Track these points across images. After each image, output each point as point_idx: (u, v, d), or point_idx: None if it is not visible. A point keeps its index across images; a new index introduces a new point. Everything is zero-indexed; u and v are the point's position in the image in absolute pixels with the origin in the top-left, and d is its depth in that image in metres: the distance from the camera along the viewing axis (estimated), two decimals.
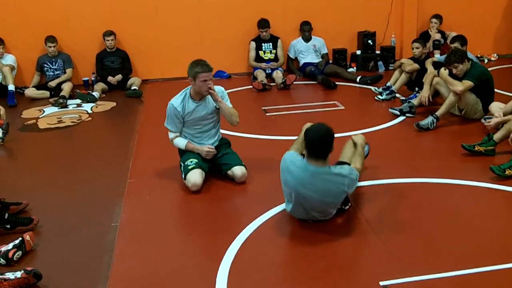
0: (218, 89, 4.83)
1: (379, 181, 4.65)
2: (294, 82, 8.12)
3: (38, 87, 8.33)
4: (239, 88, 8.25)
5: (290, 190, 3.88)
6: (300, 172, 3.79)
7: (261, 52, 8.85)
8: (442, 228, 3.89)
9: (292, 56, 9.09)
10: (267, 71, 8.66)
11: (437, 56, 7.74)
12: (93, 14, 8.60)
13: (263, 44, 8.86)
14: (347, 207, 4.15)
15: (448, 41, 8.58)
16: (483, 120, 5.82)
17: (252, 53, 8.87)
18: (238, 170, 4.70)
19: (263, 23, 8.73)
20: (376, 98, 7.29)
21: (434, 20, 9.04)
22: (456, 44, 6.74)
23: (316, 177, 3.76)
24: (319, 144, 3.74)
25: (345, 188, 3.83)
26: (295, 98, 7.80)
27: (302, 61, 8.96)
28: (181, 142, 4.79)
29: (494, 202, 4.38)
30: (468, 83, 5.89)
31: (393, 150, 5.43)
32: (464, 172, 4.82)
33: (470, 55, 6.43)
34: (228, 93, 4.95)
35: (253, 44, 8.88)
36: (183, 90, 4.75)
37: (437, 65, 6.69)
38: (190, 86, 4.69)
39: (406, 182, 4.65)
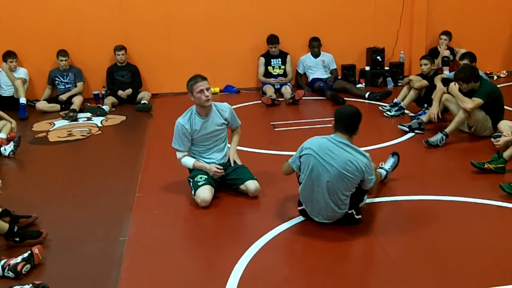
0: (225, 106, 4.86)
1: (388, 198, 4.64)
2: (303, 98, 8.14)
3: (49, 100, 8.41)
4: (248, 103, 8.28)
5: (309, 161, 3.98)
6: (323, 139, 4.03)
7: (270, 68, 8.90)
8: (451, 246, 3.87)
9: (301, 71, 9.12)
10: (276, 86, 8.69)
11: (446, 73, 7.73)
12: (105, 28, 8.69)
13: (272, 59, 8.90)
14: (359, 216, 4.14)
15: (457, 58, 8.57)
16: (492, 139, 5.80)
17: (261, 69, 8.92)
18: (251, 184, 4.70)
19: (273, 39, 8.78)
20: (385, 114, 7.29)
21: (443, 36, 9.05)
22: (465, 61, 6.73)
23: (338, 145, 3.95)
24: (348, 117, 4.04)
25: (363, 168, 3.91)
26: (304, 114, 7.82)
27: (311, 77, 8.99)
28: (188, 162, 4.78)
29: (504, 220, 4.34)
30: (477, 101, 5.88)
31: (402, 166, 5.40)
32: (473, 189, 4.79)
33: (479, 72, 6.43)
34: (237, 107, 4.99)
35: (262, 59, 8.92)
36: (188, 109, 4.77)
37: (446, 82, 6.69)
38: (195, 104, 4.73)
39: (415, 199, 4.64)
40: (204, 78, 4.61)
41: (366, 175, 3.96)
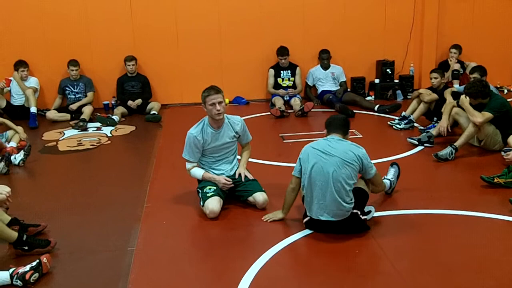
0: (237, 119, 4.86)
1: (396, 212, 4.62)
2: (312, 110, 8.14)
3: (59, 109, 8.47)
4: (257, 115, 8.31)
5: (310, 157, 4.17)
6: (320, 140, 4.29)
7: (279, 79, 8.92)
8: (459, 261, 3.84)
9: (310, 83, 9.14)
10: (285, 98, 8.70)
11: (456, 86, 7.72)
12: (115, 39, 8.76)
13: (281, 71, 8.93)
14: (365, 217, 4.20)
15: (467, 71, 8.57)
16: (502, 153, 5.77)
17: (271, 80, 8.94)
18: (260, 197, 4.69)
19: (282, 51, 8.81)
20: (394, 127, 7.27)
21: (453, 50, 9.04)
22: (476, 75, 6.72)
23: (336, 141, 4.20)
24: (340, 120, 4.37)
25: (361, 155, 4.14)
26: (313, 126, 7.82)
27: (320, 89, 9.00)
28: (198, 173, 4.78)
29: None
30: (487, 115, 5.86)
31: (411, 180, 5.39)
32: (483, 204, 4.76)
33: (490, 86, 6.41)
34: (246, 119, 5.00)
35: (271, 71, 8.95)
36: (201, 120, 4.78)
37: (456, 95, 6.68)
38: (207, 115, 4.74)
39: (423, 213, 4.61)
40: (219, 91, 4.60)
41: (365, 161, 4.17)
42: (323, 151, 4.14)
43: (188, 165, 4.81)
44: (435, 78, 7.16)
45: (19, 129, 6.80)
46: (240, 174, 4.84)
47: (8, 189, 4.06)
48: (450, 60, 9.07)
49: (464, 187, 5.21)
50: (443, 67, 8.82)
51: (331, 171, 4.05)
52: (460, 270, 3.73)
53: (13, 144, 6.60)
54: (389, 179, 4.92)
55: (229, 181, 4.71)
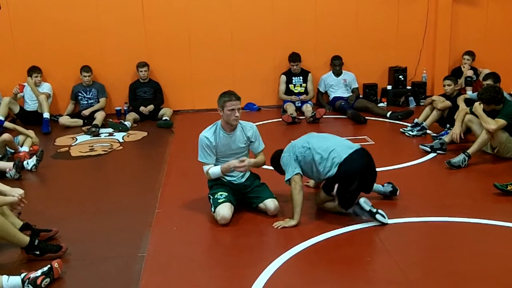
0: (250, 125, 4.86)
1: (408, 219, 4.58)
2: (324, 116, 8.13)
3: (72, 115, 8.52)
4: (268, 121, 8.30)
5: (303, 141, 4.67)
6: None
7: (291, 86, 8.92)
8: (472, 270, 3.80)
9: (322, 90, 9.12)
10: (296, 104, 8.69)
11: (469, 93, 7.67)
12: (128, 45, 8.81)
13: (293, 77, 8.93)
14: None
15: (480, 78, 8.51)
16: None
17: (282, 87, 8.94)
18: (270, 203, 4.68)
19: (294, 57, 8.81)
20: (406, 134, 7.23)
21: (466, 56, 8.98)
22: (489, 81, 6.68)
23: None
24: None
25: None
26: (325, 132, 7.75)
27: (332, 95, 8.99)
28: (215, 170, 4.72)
29: None
30: (501, 122, 5.81)
31: (423, 187, 5.36)
32: (496, 212, 4.71)
33: (503, 93, 6.36)
34: (257, 125, 4.99)
35: (283, 77, 8.95)
36: (214, 123, 4.79)
37: (469, 102, 6.63)
38: (221, 119, 4.74)
39: (436, 221, 4.57)
40: (238, 98, 4.63)
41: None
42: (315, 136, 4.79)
43: (205, 168, 4.78)
44: (448, 85, 7.12)
45: (31, 133, 6.86)
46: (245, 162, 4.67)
47: (21, 191, 4.10)
48: (463, 67, 9.00)
49: (477, 195, 5.17)
50: (456, 74, 8.75)
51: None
52: (473, 279, 3.68)
53: (25, 148, 6.66)
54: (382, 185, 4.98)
55: (242, 161, 4.61)
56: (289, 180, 4.56)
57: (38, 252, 4.02)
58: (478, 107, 6.06)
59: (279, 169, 4.85)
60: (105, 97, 8.72)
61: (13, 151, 6.61)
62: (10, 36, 8.62)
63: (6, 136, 6.44)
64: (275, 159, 4.90)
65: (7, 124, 7.13)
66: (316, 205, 4.78)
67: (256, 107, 9.16)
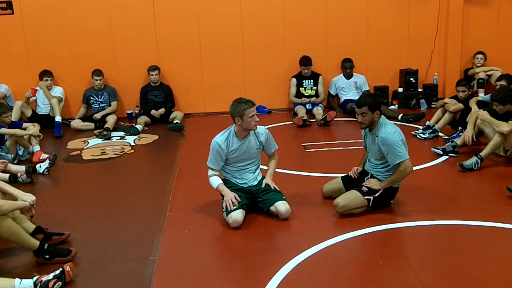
0: (262, 130, 4.86)
1: (421, 222, 4.55)
2: (335, 119, 8.11)
3: (83, 119, 8.57)
4: (279, 124, 8.30)
5: None
6: None
7: (302, 89, 8.91)
8: (486, 274, 3.76)
9: (333, 92, 9.11)
10: (307, 107, 8.68)
11: (481, 95, 7.62)
12: (139, 49, 8.85)
13: (304, 80, 8.91)
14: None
15: (491, 81, 8.46)
16: None
17: (293, 90, 8.93)
18: (282, 206, 4.67)
19: (305, 61, 8.80)
20: (418, 136, 7.19)
21: (479, 55, 8.96)
22: (503, 82, 6.65)
23: None
24: None
25: None
26: (335, 135, 7.77)
27: (343, 98, 8.97)
28: (214, 182, 4.78)
29: None
30: None
31: (436, 190, 5.32)
32: (509, 215, 4.66)
33: None
34: (268, 128, 4.99)
35: (294, 80, 8.94)
36: (227, 128, 4.79)
37: (481, 104, 6.58)
38: (234, 124, 4.73)
39: (448, 224, 4.53)
40: (254, 103, 4.66)
41: None
42: None
43: (210, 172, 4.83)
44: (463, 91, 7.02)
45: (34, 127, 6.80)
46: (267, 184, 4.83)
47: (33, 197, 4.12)
48: (476, 66, 8.96)
49: (490, 198, 5.12)
50: (468, 76, 8.71)
51: None
52: (487, 283, 3.64)
53: (36, 148, 6.70)
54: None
55: (236, 201, 4.63)
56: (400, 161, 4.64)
57: (47, 256, 4.04)
58: (484, 114, 6.01)
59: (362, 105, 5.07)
60: (117, 100, 8.76)
61: (26, 153, 6.68)
62: (23, 41, 8.69)
63: (17, 131, 6.48)
64: (373, 97, 5.24)
65: (4, 130, 6.51)
66: (337, 212, 4.71)
67: (267, 110, 9.15)
